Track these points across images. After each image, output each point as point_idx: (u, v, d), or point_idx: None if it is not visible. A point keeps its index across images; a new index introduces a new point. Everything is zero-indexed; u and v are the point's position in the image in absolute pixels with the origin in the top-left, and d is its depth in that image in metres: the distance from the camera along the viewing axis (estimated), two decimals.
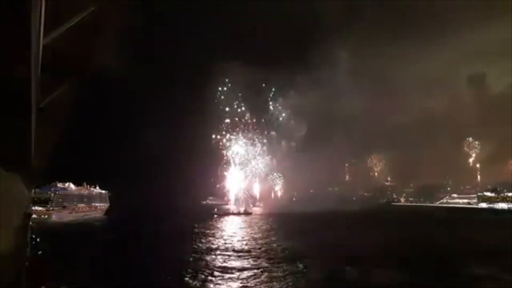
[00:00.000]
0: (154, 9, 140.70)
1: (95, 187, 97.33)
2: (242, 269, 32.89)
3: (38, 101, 5.85)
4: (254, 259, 38.21)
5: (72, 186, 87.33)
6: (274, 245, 47.12)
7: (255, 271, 32.25)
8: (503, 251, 43.08)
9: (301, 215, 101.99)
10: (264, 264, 35.25)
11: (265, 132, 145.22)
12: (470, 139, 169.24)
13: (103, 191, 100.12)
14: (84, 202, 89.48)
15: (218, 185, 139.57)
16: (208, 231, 60.79)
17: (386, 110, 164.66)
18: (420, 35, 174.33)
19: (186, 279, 28.79)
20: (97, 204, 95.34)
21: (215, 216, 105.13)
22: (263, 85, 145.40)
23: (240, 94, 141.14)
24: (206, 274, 30.56)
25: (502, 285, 28.21)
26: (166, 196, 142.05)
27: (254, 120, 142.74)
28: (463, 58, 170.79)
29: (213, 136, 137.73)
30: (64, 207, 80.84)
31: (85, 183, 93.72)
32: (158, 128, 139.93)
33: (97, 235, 59.49)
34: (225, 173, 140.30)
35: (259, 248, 44.43)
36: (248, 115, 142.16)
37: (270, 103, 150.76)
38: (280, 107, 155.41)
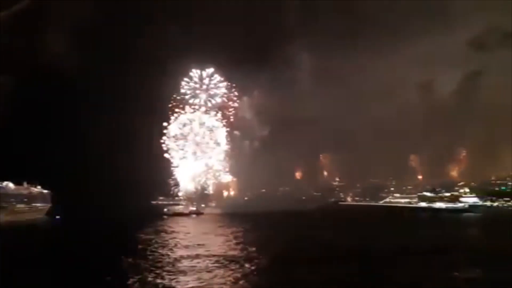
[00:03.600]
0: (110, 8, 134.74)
1: (36, 187, 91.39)
2: None
3: None
4: None
5: (10, 185, 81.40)
6: None
7: None
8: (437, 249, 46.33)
9: (256, 215, 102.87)
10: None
11: (225, 130, 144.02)
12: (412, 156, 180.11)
13: (45, 191, 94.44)
14: (23, 202, 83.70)
15: (169, 185, 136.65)
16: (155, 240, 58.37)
17: (340, 113, 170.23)
18: (372, 42, 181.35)
19: None
20: (38, 205, 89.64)
21: (165, 217, 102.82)
22: (227, 83, 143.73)
23: (198, 92, 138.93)
24: None
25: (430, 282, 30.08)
26: (113, 196, 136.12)
27: (217, 118, 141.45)
28: (412, 65, 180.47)
29: (167, 133, 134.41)
30: (1, 207, 75.17)
31: (25, 183, 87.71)
32: (106, 125, 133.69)
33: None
34: (178, 171, 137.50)
35: None
36: (211, 113, 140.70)
37: (235, 102, 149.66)
38: (244, 107, 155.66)
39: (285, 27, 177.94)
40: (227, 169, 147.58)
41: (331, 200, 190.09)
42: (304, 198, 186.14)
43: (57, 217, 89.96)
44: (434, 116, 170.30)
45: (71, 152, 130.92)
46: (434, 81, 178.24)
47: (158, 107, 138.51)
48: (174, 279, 29.10)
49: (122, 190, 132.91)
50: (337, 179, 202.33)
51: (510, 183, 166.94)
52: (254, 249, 44.44)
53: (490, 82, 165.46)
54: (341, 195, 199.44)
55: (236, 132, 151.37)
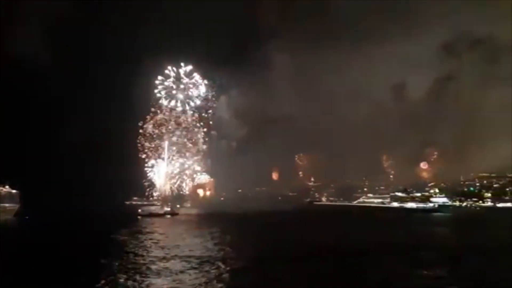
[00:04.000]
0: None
1: (4, 187, 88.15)
2: None
3: None
4: None
5: None
6: None
7: None
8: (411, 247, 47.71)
9: (232, 216, 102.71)
10: None
11: (202, 130, 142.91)
12: (386, 157, 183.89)
13: (13, 191, 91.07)
14: None
15: (144, 185, 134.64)
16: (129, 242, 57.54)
17: (315, 113, 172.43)
18: (347, 44, 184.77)
19: None
20: (6, 205, 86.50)
21: (139, 218, 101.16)
22: (205, 82, 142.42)
23: (174, 92, 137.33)
24: None
25: (412, 279, 31.10)
26: (86, 197, 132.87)
27: (194, 118, 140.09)
28: (385, 68, 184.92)
29: (142, 133, 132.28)
30: None
31: None
32: (79, 125, 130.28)
33: None
34: (152, 171, 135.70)
35: None
36: (189, 113, 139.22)
37: (213, 102, 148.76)
38: (222, 107, 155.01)
39: (261, 27, 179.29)
40: (203, 170, 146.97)
41: (306, 200, 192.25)
42: (280, 198, 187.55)
43: (26, 217, 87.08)
44: (406, 118, 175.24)
45: (42, 151, 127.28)
46: (407, 83, 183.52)
47: (133, 106, 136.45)
48: (146, 281, 28.75)
49: (95, 191, 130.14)
50: (312, 179, 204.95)
51: (478, 184, 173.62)
52: (229, 249, 44.45)
53: (460, 86, 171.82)
54: (316, 195, 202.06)
55: (213, 132, 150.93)
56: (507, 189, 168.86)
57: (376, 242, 52.67)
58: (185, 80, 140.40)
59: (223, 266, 34.06)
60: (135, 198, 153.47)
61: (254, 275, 31.56)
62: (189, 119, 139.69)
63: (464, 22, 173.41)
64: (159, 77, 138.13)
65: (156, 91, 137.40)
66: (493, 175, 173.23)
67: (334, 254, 42.01)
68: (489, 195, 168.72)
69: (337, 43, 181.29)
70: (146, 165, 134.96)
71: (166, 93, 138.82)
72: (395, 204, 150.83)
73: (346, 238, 58.73)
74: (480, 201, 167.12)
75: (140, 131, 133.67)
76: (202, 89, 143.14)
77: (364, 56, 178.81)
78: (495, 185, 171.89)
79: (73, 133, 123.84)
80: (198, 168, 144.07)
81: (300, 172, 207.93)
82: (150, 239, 54.92)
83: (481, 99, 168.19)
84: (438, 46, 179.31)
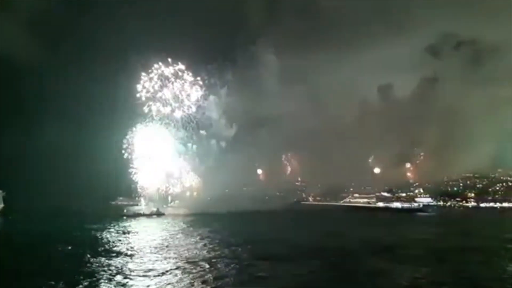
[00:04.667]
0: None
1: None
2: None
3: None
4: None
5: None
6: None
7: None
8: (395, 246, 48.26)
9: (219, 216, 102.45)
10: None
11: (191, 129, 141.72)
12: (372, 157, 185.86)
13: None
14: None
15: (130, 184, 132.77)
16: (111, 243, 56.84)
17: (303, 113, 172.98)
18: (336, 45, 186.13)
19: None
20: None
21: (125, 218, 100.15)
22: (193, 82, 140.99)
23: (161, 91, 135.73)
24: None
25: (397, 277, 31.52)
26: (71, 196, 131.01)
27: (183, 117, 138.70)
28: (373, 69, 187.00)
29: (129, 133, 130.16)
30: None
31: None
32: (64, 124, 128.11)
33: None
34: (139, 170, 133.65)
35: None
36: (178, 112, 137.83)
37: (202, 102, 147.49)
38: (211, 106, 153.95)
39: (250, 27, 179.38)
40: (191, 169, 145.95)
41: (294, 200, 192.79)
42: (267, 198, 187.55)
43: (10, 218, 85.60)
44: (393, 119, 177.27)
45: (26, 151, 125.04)
46: (394, 84, 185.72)
47: (119, 105, 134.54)
48: (129, 282, 28.43)
49: (80, 191, 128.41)
50: (299, 179, 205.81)
51: (461, 184, 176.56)
52: (215, 249, 44.29)
53: (445, 87, 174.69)
54: (303, 195, 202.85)
55: (202, 132, 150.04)
56: (490, 189, 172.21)
57: (362, 241, 53.28)
58: (174, 79, 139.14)
59: (207, 266, 33.93)
60: (120, 198, 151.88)
61: (241, 275, 31.51)
62: (178, 118, 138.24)
63: (448, 25, 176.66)
64: (143, 75, 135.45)
65: (143, 89, 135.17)
66: (476, 175, 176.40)
67: (321, 253, 42.30)
68: (473, 195, 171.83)
69: (326, 44, 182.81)
70: (132, 164, 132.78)
71: (152, 94, 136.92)
72: (380, 204, 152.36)
73: (332, 237, 59.13)
74: (464, 201, 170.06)
75: (129, 132, 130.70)
76: (191, 89, 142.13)
77: (352, 57, 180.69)
78: (478, 185, 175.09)
79: (56, 133, 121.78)
80: (185, 167, 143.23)
81: (288, 172, 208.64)
82: (135, 239, 54.37)
83: (465, 100, 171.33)
84: (423, 48, 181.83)
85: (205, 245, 48.22)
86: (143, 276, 30.34)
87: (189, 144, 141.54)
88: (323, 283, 29.34)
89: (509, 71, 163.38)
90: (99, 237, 55.94)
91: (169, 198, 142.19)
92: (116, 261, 36.30)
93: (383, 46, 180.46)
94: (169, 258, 38.44)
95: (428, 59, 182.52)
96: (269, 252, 42.45)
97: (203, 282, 28.56)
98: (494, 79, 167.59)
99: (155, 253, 41.24)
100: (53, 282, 27.61)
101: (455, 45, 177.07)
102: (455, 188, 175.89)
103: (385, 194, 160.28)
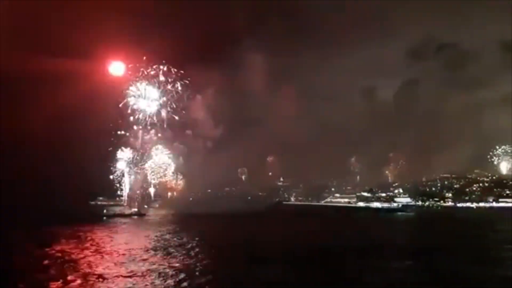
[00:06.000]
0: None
1: None
2: None
3: None
4: None
5: None
6: None
7: None
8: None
9: (200, 216, 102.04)
10: None
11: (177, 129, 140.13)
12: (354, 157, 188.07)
13: None
14: None
15: (110, 184, 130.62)
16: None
17: (287, 114, 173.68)
18: (320, 46, 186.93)
19: None
20: None
21: (104, 218, 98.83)
22: (180, 82, 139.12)
23: (145, 90, 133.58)
24: None
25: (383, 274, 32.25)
26: (47, 196, 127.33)
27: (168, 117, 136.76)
28: (356, 70, 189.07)
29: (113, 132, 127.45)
30: None
31: None
32: (38, 119, 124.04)
33: None
34: (118, 169, 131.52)
35: None
36: (163, 112, 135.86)
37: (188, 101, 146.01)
38: (197, 106, 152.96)
39: (235, 27, 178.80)
40: (173, 169, 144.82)
41: (276, 200, 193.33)
42: (249, 198, 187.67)
43: None
44: (374, 120, 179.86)
45: (4, 148, 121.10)
46: (376, 86, 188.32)
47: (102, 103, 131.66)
48: (100, 285, 28.04)
49: (57, 190, 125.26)
50: (282, 179, 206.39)
51: (439, 185, 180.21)
52: (195, 250, 44.12)
53: (425, 90, 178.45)
54: (285, 195, 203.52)
55: (188, 132, 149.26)
56: (467, 189, 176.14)
57: (344, 240, 54.11)
58: (161, 79, 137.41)
59: (189, 267, 33.76)
60: (100, 198, 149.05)
61: (221, 276, 31.48)
62: (165, 119, 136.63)
63: (429, 28, 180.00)
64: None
65: (127, 90, 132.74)
66: (454, 176, 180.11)
67: (301, 253, 42.66)
68: (450, 195, 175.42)
69: (310, 45, 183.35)
70: (111, 164, 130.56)
71: (137, 94, 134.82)
72: (361, 204, 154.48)
73: (317, 236, 59.76)
74: (441, 201, 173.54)
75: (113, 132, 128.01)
76: (177, 88, 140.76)
77: (336, 58, 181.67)
78: (455, 186, 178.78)
79: (31, 128, 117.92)
80: (168, 167, 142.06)
81: (270, 172, 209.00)
82: (110, 243, 53.12)
83: (445, 103, 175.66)
84: (405, 51, 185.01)
85: (183, 245, 47.91)
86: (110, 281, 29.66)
87: (175, 144, 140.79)
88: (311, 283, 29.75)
89: (488, 75, 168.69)
90: (73, 239, 54.76)
91: (151, 198, 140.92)
92: (85, 266, 35.60)
93: (366, 49, 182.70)
94: (143, 260, 37.95)
95: (409, 62, 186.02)
96: (251, 254, 42.38)
97: (180, 282, 28.36)
98: (473, 82, 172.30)
99: (130, 256, 40.53)
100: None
101: (435, 49, 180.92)
102: (433, 189, 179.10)
103: (366, 194, 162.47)
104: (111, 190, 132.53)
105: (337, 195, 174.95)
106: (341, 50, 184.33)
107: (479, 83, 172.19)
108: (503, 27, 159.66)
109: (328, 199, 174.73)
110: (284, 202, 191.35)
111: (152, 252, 42.18)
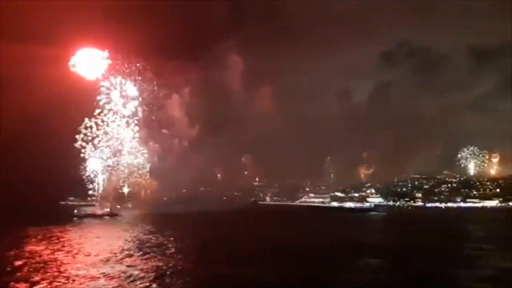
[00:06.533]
0: None
1: None
2: None
3: None
4: None
5: None
6: None
7: None
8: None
9: (175, 216, 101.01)
10: None
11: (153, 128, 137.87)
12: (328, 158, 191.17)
13: None
14: None
15: (80, 182, 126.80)
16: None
17: (264, 115, 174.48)
18: (298, 48, 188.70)
19: None
20: None
21: (75, 219, 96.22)
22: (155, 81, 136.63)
23: (121, 85, 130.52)
24: None
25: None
26: (14, 195, 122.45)
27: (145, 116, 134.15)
28: (331, 72, 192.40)
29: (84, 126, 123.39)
30: None
31: None
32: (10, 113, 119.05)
33: None
34: (89, 166, 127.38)
35: None
36: (139, 110, 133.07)
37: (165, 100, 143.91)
38: (174, 105, 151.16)
39: (214, 27, 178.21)
40: (148, 168, 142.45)
41: (251, 200, 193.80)
42: (225, 198, 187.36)
43: None
44: (348, 122, 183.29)
45: None
46: (350, 89, 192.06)
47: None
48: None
49: (25, 188, 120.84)
50: (257, 179, 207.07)
51: (410, 185, 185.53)
52: (169, 250, 43.65)
53: (398, 93, 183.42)
54: (261, 194, 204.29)
55: (164, 131, 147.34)
56: (436, 190, 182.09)
57: (317, 239, 54.82)
58: (137, 77, 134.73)
59: (162, 268, 33.32)
60: (71, 198, 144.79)
61: (195, 277, 31.23)
62: (140, 118, 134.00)
63: (402, 32, 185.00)
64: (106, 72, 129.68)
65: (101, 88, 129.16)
66: (424, 176, 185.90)
67: (275, 253, 42.86)
68: (420, 195, 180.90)
69: (287, 46, 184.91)
70: (81, 158, 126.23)
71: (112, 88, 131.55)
72: (334, 204, 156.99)
73: (291, 236, 60.19)
74: (412, 201, 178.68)
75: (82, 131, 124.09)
76: (154, 87, 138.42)
77: (312, 59, 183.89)
78: (425, 186, 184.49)
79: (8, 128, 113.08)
80: (142, 166, 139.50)
81: (246, 172, 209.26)
82: (80, 244, 51.56)
83: (416, 105, 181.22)
84: (379, 54, 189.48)
85: (156, 245, 47.27)
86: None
87: (150, 143, 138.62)
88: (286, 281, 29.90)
89: (458, 79, 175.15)
90: (41, 242, 53.03)
91: (123, 198, 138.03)
92: (51, 270, 34.47)
93: (342, 50, 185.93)
94: (117, 263, 37.19)
95: (383, 65, 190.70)
96: (225, 254, 42.20)
97: (153, 281, 27.94)
98: (444, 85, 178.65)
99: (98, 258, 39.54)
100: None
101: (408, 53, 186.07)
102: (404, 189, 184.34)
103: (339, 194, 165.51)
104: (82, 189, 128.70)
105: (312, 195, 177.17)
106: (318, 51, 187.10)
107: (449, 87, 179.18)
108: (472, 31, 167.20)
109: (303, 199, 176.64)
110: (260, 202, 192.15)
111: (125, 253, 41.36)
